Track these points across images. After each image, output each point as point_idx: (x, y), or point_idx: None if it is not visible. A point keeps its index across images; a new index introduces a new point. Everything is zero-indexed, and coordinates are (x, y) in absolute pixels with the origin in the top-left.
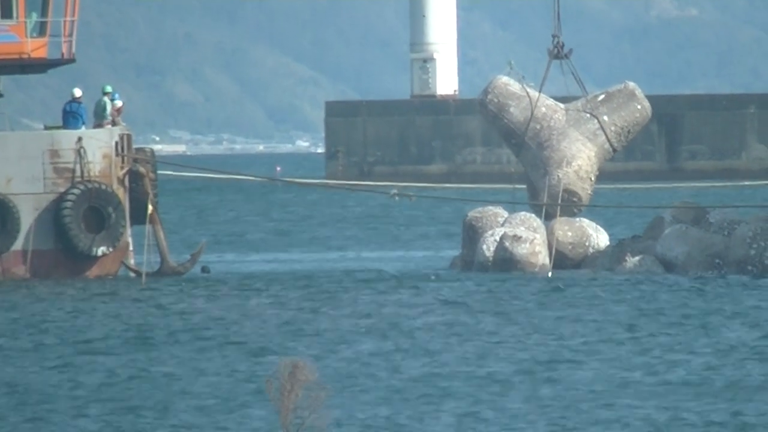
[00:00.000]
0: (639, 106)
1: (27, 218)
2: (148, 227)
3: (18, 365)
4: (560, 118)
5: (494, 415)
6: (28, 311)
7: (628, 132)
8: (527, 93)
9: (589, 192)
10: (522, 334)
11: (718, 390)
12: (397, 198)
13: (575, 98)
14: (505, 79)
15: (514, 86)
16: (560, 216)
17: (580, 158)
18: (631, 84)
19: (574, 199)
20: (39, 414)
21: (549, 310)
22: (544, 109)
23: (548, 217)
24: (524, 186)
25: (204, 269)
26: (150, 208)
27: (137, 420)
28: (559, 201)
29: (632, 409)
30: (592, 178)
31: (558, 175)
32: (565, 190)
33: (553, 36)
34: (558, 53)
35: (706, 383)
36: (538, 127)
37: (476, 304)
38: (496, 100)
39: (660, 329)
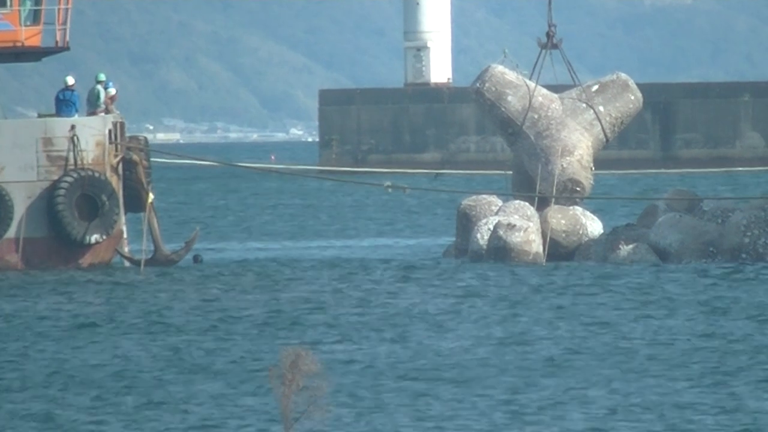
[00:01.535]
0: (632, 97)
1: (20, 206)
2: (147, 215)
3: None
4: (557, 107)
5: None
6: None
7: (621, 123)
8: (525, 82)
9: (591, 181)
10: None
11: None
12: (390, 190)
13: (565, 87)
14: (500, 67)
15: (510, 75)
16: (560, 205)
17: (580, 148)
18: (623, 75)
19: (577, 189)
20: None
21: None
22: (540, 98)
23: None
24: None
25: (196, 258)
26: (151, 197)
27: (135, 403)
28: (562, 190)
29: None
30: (592, 168)
31: (562, 165)
32: (570, 180)
33: (550, 25)
34: (548, 43)
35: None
36: (536, 116)
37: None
38: (493, 88)
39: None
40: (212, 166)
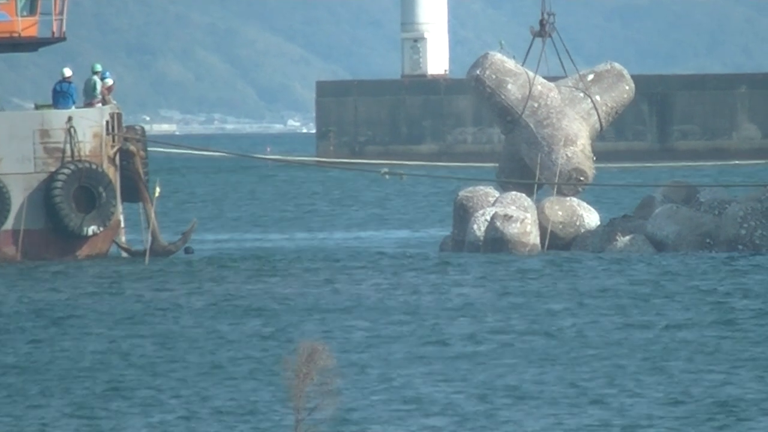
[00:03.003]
0: (627, 87)
1: (17, 198)
2: (149, 207)
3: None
4: (555, 96)
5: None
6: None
7: (616, 112)
8: (525, 71)
9: (594, 170)
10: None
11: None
12: (387, 177)
13: (557, 78)
14: (499, 55)
15: (509, 63)
16: (566, 194)
17: (581, 137)
18: (617, 65)
19: (581, 178)
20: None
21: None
22: (539, 87)
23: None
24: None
25: (187, 250)
26: (158, 190)
27: (147, 393)
28: (567, 179)
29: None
30: (594, 157)
31: (566, 154)
32: (575, 169)
33: (548, 14)
34: (541, 32)
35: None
36: (535, 105)
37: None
38: (494, 76)
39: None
40: (210, 157)
